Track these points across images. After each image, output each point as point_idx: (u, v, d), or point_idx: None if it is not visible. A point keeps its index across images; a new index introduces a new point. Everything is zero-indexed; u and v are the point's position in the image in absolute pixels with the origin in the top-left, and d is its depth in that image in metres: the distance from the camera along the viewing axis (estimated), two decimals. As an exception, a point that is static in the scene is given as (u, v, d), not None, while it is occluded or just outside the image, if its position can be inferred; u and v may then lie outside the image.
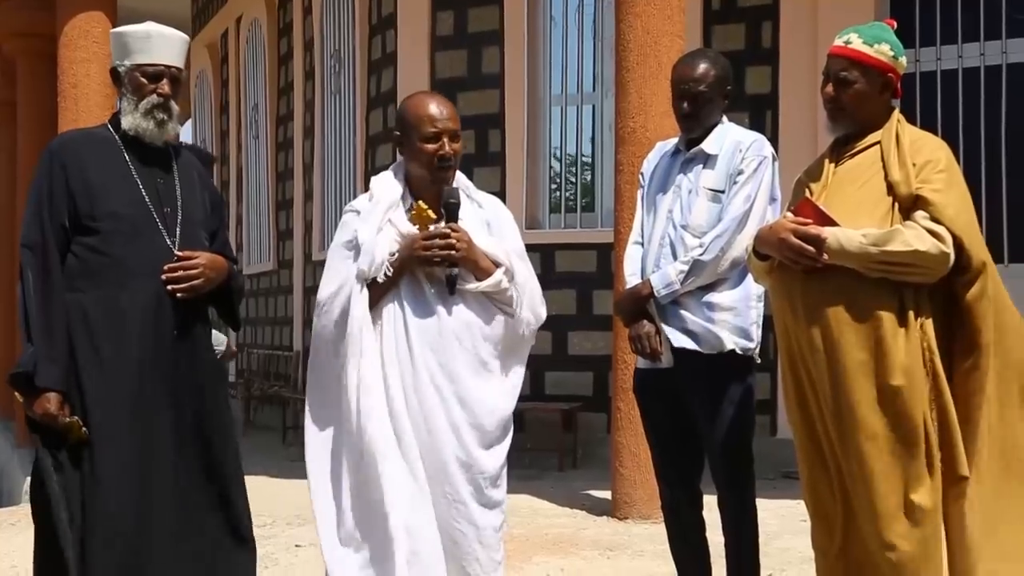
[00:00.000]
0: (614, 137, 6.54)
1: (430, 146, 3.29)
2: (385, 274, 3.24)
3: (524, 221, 9.26)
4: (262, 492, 5.12)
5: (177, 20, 10.04)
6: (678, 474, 3.91)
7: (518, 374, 3.40)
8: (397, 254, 3.27)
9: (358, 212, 3.37)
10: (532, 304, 3.39)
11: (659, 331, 3.74)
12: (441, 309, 3.26)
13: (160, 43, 3.49)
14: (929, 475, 3.09)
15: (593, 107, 9.50)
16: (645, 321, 3.75)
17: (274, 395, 12.28)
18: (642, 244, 3.91)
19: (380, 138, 10.47)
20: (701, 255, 3.69)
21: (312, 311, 3.57)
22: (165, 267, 3.41)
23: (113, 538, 3.29)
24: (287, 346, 13.32)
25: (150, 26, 3.52)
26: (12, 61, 13.87)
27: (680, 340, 3.71)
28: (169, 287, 3.42)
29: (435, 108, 3.31)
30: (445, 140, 3.29)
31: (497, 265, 3.31)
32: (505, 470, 3.37)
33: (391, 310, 3.27)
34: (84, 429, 3.28)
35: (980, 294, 3.12)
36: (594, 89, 9.46)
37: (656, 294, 3.73)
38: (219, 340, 6.10)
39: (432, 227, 3.27)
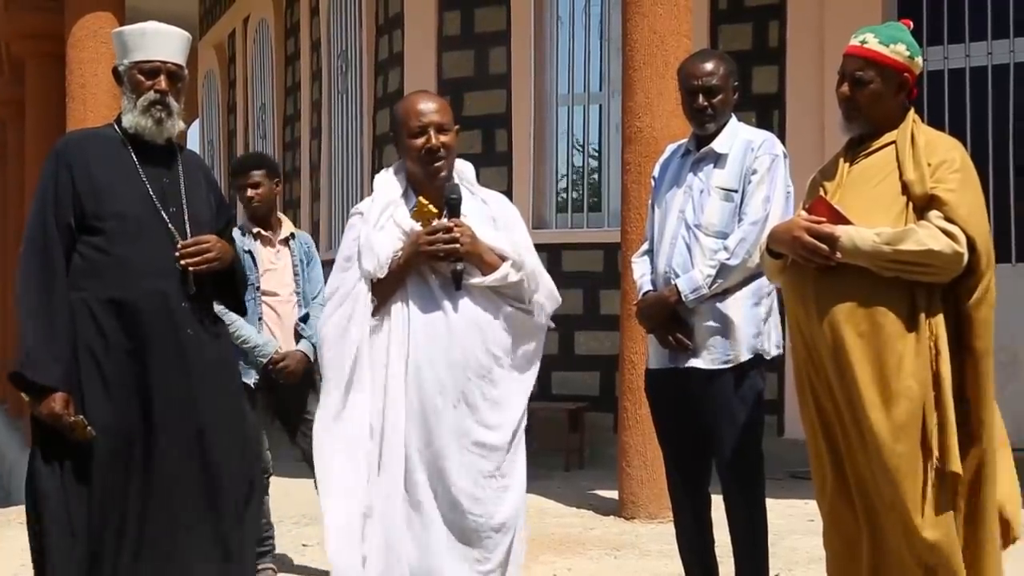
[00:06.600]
0: (621, 137, 6.54)
1: (417, 141, 3.32)
2: (390, 269, 3.24)
3: (531, 221, 9.25)
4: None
5: (184, 20, 10.05)
6: (687, 474, 3.92)
7: (531, 374, 3.39)
8: (401, 251, 3.27)
9: (362, 214, 3.38)
10: (548, 290, 3.40)
11: (688, 330, 3.75)
12: (448, 305, 3.26)
13: (156, 40, 3.47)
14: (938, 474, 3.09)
15: (600, 107, 9.49)
16: (672, 325, 3.76)
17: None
18: (651, 251, 3.92)
19: (387, 138, 10.47)
20: (728, 259, 3.69)
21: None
22: (179, 244, 3.39)
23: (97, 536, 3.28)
24: (294, 345, 13.29)
25: (147, 24, 3.51)
26: (21, 61, 13.91)
27: (696, 361, 3.74)
28: (182, 261, 3.40)
29: (420, 104, 3.36)
30: (431, 132, 3.31)
31: (503, 259, 3.32)
32: (521, 461, 3.35)
33: (398, 308, 3.28)
34: (89, 428, 3.26)
35: (982, 299, 3.12)
36: (601, 89, 9.45)
37: (684, 299, 3.73)
38: (263, 343, 4.88)
39: (435, 222, 3.28)
